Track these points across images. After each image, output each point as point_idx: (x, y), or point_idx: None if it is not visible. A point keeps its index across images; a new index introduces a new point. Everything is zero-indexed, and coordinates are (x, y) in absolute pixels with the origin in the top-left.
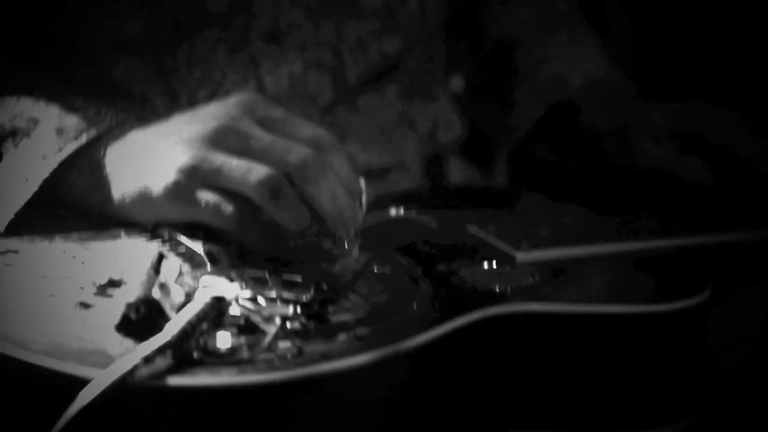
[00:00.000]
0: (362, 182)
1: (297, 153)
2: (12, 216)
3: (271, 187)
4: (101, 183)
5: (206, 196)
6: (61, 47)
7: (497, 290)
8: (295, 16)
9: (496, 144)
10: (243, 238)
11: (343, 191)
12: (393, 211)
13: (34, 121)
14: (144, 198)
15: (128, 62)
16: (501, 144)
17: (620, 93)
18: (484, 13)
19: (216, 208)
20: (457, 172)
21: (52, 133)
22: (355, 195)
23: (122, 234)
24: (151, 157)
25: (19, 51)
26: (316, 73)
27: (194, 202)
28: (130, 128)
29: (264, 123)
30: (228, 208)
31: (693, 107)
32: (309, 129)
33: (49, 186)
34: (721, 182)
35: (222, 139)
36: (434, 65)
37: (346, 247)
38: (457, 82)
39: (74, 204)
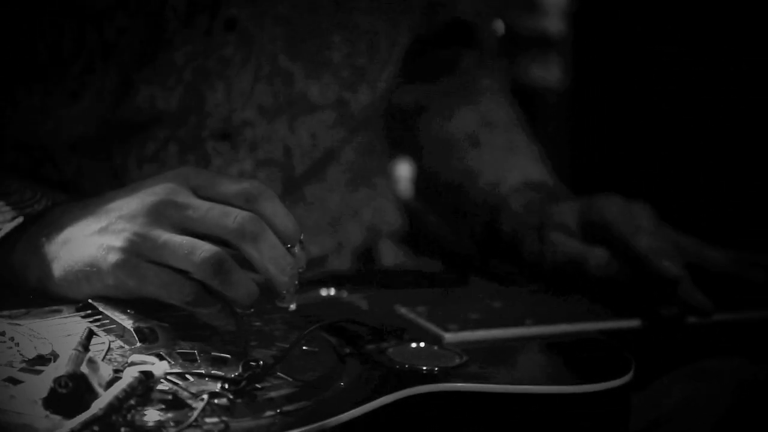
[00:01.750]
0: (301, 233)
1: (234, 217)
2: None
3: (216, 265)
4: (41, 260)
5: (153, 272)
6: (14, 144)
7: (424, 370)
8: (248, 114)
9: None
10: (190, 310)
11: (282, 249)
12: (324, 291)
13: None
14: (88, 276)
15: (80, 162)
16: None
17: (552, 190)
18: (427, 117)
19: (163, 284)
20: (390, 255)
21: None
22: (294, 242)
23: (52, 311)
24: (92, 236)
25: None
26: (266, 170)
27: (142, 278)
28: (70, 207)
29: (199, 190)
30: (176, 283)
31: (602, 199)
32: (238, 184)
33: None
34: (623, 273)
35: (162, 212)
36: (375, 156)
37: (285, 303)
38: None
39: (11, 281)
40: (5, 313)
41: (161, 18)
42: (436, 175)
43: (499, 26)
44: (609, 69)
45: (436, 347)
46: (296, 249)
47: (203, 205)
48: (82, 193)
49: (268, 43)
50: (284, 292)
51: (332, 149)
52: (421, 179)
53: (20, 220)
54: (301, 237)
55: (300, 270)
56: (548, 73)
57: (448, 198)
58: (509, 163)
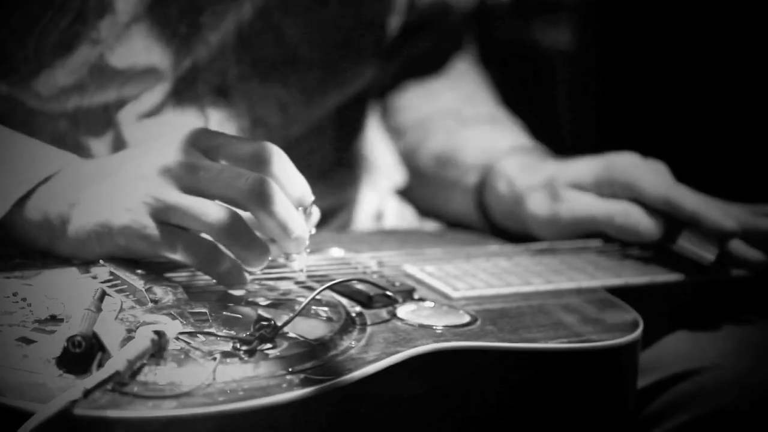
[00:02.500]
0: (311, 195)
1: (246, 179)
2: None
3: (227, 227)
4: (52, 221)
5: (164, 233)
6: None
7: (434, 328)
8: (242, 70)
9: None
10: (201, 272)
11: (292, 211)
12: (334, 252)
13: None
14: (100, 237)
15: (75, 114)
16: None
17: (544, 153)
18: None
19: (174, 245)
20: (396, 215)
21: (2, 175)
22: (305, 202)
23: (64, 272)
24: (104, 197)
25: None
26: (263, 131)
27: (152, 239)
28: (80, 167)
29: (210, 152)
30: (187, 243)
31: (619, 157)
32: (249, 146)
33: (1, 226)
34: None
35: (173, 174)
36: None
37: (295, 265)
38: None
39: (22, 242)
40: (17, 273)
41: None
42: (419, 150)
43: None
44: (619, 32)
45: (445, 306)
46: (306, 212)
47: (214, 167)
48: (80, 148)
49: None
50: (294, 254)
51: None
52: (404, 159)
53: (34, 182)
54: (312, 200)
55: (310, 233)
56: (557, 35)
57: (434, 172)
58: (496, 132)
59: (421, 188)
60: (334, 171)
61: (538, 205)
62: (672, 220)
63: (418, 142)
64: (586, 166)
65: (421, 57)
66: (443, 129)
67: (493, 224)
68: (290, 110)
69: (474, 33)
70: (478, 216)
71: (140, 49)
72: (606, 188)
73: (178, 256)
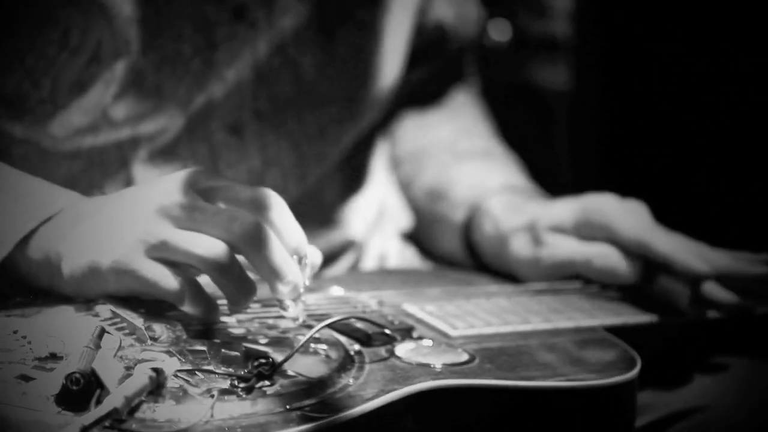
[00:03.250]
0: (309, 247)
1: (241, 222)
2: None
3: (217, 260)
4: (51, 260)
5: (153, 270)
6: (20, 140)
7: (432, 366)
8: (258, 107)
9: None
10: (187, 310)
11: (286, 259)
12: (334, 291)
13: None
14: (93, 273)
15: (90, 154)
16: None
17: (532, 194)
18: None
19: (162, 282)
20: (398, 256)
21: (6, 215)
22: (301, 252)
23: (64, 310)
24: (99, 233)
25: None
26: (276, 171)
27: (141, 276)
28: (79, 206)
29: (208, 194)
30: (173, 282)
31: (597, 198)
32: (249, 191)
33: (2, 264)
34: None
35: (168, 213)
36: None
37: (290, 313)
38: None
39: (24, 280)
40: (18, 311)
41: (169, 8)
42: (414, 183)
43: (506, 29)
44: (614, 71)
45: (444, 344)
46: (302, 262)
47: (210, 209)
48: (94, 188)
49: (276, 34)
50: (287, 301)
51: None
52: (401, 191)
53: (35, 223)
54: (308, 252)
55: (305, 282)
56: (555, 75)
57: (426, 206)
58: (488, 168)
59: (415, 222)
60: (343, 214)
61: (520, 247)
62: (649, 262)
63: (413, 175)
64: (565, 209)
65: (421, 87)
66: (437, 162)
67: (479, 262)
68: (304, 148)
69: (475, 66)
70: (464, 253)
71: (153, 87)
72: (585, 230)
73: (162, 294)
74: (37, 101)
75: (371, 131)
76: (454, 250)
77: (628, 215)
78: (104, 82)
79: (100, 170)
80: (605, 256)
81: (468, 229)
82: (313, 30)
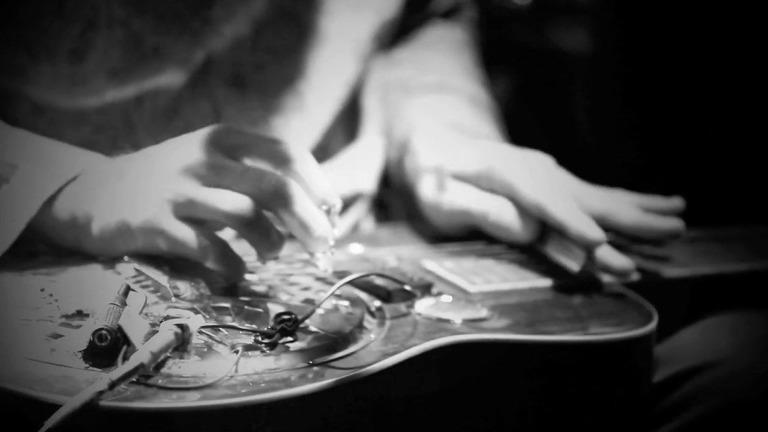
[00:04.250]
0: (335, 193)
1: (268, 179)
2: None
3: (244, 214)
4: (78, 219)
5: (181, 229)
6: (31, 109)
7: (451, 321)
8: (257, 58)
9: None
10: (213, 268)
11: (315, 212)
12: (354, 248)
13: (12, 166)
14: (122, 232)
15: (98, 120)
16: None
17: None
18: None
19: (189, 241)
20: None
21: (31, 176)
22: (329, 203)
23: (90, 268)
24: (127, 193)
25: None
26: (279, 119)
27: (169, 235)
28: (104, 167)
29: (233, 151)
30: (200, 240)
31: (502, 153)
32: (276, 146)
33: (29, 225)
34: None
35: (195, 171)
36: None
37: (320, 265)
38: None
39: (50, 240)
40: (44, 270)
41: None
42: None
43: None
44: (635, 35)
45: (463, 300)
46: (330, 212)
47: (237, 167)
48: (103, 149)
49: None
50: (317, 254)
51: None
52: None
53: (62, 181)
54: (337, 201)
55: (334, 234)
56: (575, 38)
57: None
58: (430, 105)
59: None
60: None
61: (426, 188)
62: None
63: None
64: (472, 158)
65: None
66: (391, 101)
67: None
68: (305, 93)
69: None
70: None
71: (152, 48)
72: (485, 183)
73: (192, 253)
74: (36, 71)
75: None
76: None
77: (529, 173)
78: (102, 47)
79: (107, 132)
80: (501, 213)
81: (400, 168)
82: None
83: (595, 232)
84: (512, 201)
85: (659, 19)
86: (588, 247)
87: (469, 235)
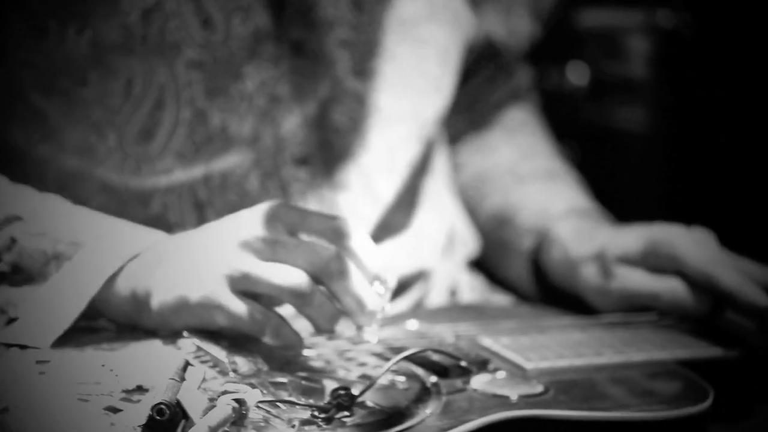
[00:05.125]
0: (389, 272)
1: (321, 254)
2: (61, 333)
3: (300, 291)
4: (137, 296)
5: (238, 304)
6: (100, 188)
7: (508, 397)
8: (324, 135)
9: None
10: (270, 342)
11: (365, 287)
12: (411, 324)
13: (75, 245)
14: (181, 307)
15: (164, 197)
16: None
17: (598, 216)
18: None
19: (247, 316)
20: (468, 290)
21: (93, 254)
22: (381, 279)
23: (150, 343)
24: (186, 269)
25: (61, 189)
26: (345, 196)
27: (227, 311)
28: (163, 243)
29: (290, 227)
30: (257, 315)
31: (666, 230)
32: (329, 222)
33: (91, 302)
34: (699, 306)
35: (251, 247)
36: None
37: (367, 337)
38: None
39: (111, 316)
40: (105, 345)
41: (228, 50)
42: (478, 209)
43: (584, 72)
44: (692, 113)
45: (518, 377)
46: (384, 287)
47: (291, 241)
48: (168, 228)
49: (335, 64)
50: (364, 326)
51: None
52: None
53: (124, 260)
54: (388, 277)
55: (383, 308)
56: (632, 116)
57: (491, 232)
58: (552, 191)
59: (482, 247)
60: (415, 239)
61: (589, 277)
62: (716, 296)
63: (476, 200)
64: (633, 239)
65: (478, 107)
66: (500, 187)
67: (545, 290)
68: (370, 171)
69: (531, 81)
70: (531, 280)
71: (219, 127)
72: (652, 260)
73: (249, 327)
74: (105, 151)
75: (431, 152)
76: (519, 276)
77: (695, 246)
78: (170, 126)
79: (174, 210)
80: (673, 290)
81: (536, 257)
82: (372, 54)
83: (765, 299)
84: (680, 275)
85: (713, 97)
86: (761, 314)
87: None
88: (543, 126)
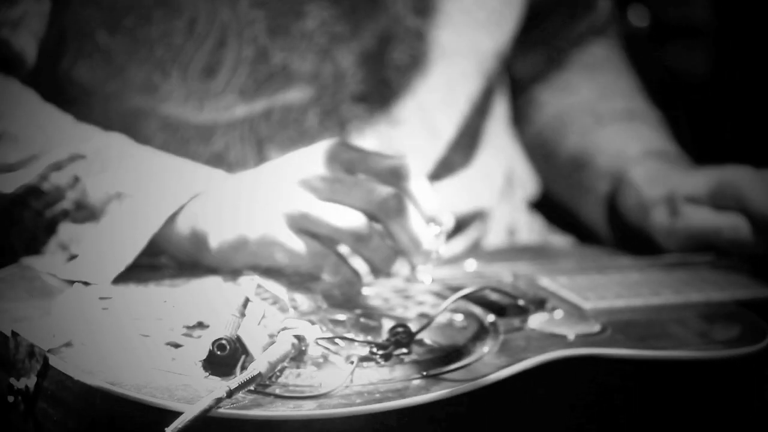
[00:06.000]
0: (445, 213)
1: (379, 193)
2: (123, 269)
3: (358, 232)
4: (198, 235)
5: (297, 242)
6: (161, 126)
7: (566, 336)
8: (384, 73)
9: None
10: (329, 280)
11: (421, 227)
12: (470, 264)
13: (138, 183)
14: (241, 246)
15: (226, 135)
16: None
17: (674, 159)
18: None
19: (305, 254)
20: (527, 231)
21: (155, 193)
22: (437, 221)
23: (211, 280)
24: (245, 208)
25: (124, 128)
26: (404, 133)
27: (285, 248)
28: (224, 182)
29: (347, 165)
30: (316, 252)
31: (733, 171)
32: (388, 162)
33: (152, 239)
34: (760, 245)
35: (309, 185)
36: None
37: (421, 277)
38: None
39: (172, 254)
40: (167, 282)
41: None
42: (555, 149)
43: (644, 14)
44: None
45: (576, 316)
46: (440, 230)
47: (349, 180)
48: (229, 165)
49: (396, 3)
50: (420, 266)
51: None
52: (537, 154)
53: (186, 198)
54: (445, 218)
55: (438, 249)
56: (693, 62)
57: (567, 172)
58: (629, 132)
59: (556, 189)
60: (473, 179)
61: (659, 218)
62: None
63: (556, 142)
64: (701, 179)
65: (557, 43)
66: (579, 129)
67: (620, 234)
68: (430, 108)
69: (613, 15)
70: (606, 224)
71: (280, 64)
72: (719, 200)
73: (309, 265)
74: (168, 89)
75: (492, 91)
76: (596, 219)
77: (760, 187)
78: (232, 64)
79: (236, 148)
80: (735, 227)
81: (611, 200)
82: None
83: None
84: (744, 214)
85: None
86: None
87: None
88: (624, 62)
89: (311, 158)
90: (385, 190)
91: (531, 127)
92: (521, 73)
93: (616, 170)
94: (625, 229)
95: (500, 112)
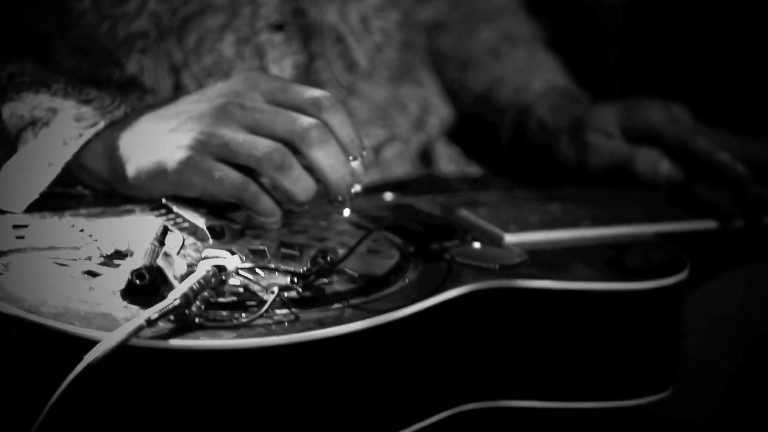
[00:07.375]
0: (364, 142)
1: (300, 122)
2: (36, 197)
3: (277, 160)
4: (115, 163)
5: (217, 169)
6: (74, 49)
7: (486, 267)
8: (300, 3)
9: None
10: (249, 208)
11: (342, 158)
12: (388, 196)
13: (53, 111)
14: (158, 174)
15: (140, 59)
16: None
17: (577, 96)
18: (447, 34)
19: (225, 182)
20: (444, 159)
21: (70, 120)
22: (356, 153)
23: (128, 209)
24: (162, 136)
25: (34, 51)
26: (322, 63)
27: (205, 175)
28: (142, 112)
29: (268, 95)
30: (235, 180)
31: (642, 103)
32: (309, 92)
33: (67, 168)
34: (674, 174)
35: (229, 114)
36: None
37: (339, 208)
38: None
39: (88, 182)
40: (83, 211)
41: None
42: (460, 90)
43: None
44: None
45: (497, 247)
46: (357, 162)
47: (270, 109)
48: (143, 90)
49: None
50: (339, 197)
51: (387, 35)
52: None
53: (101, 125)
54: (364, 152)
55: (358, 183)
56: None
57: (473, 109)
58: (532, 72)
59: (460, 123)
60: (385, 106)
61: (566, 149)
62: (691, 164)
63: (459, 83)
64: (609, 111)
65: None
66: (481, 68)
67: (525, 164)
68: (347, 38)
69: None
70: (511, 157)
71: None
72: (628, 131)
73: (226, 193)
74: (80, 13)
75: (409, 25)
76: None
77: (671, 117)
78: None
79: (150, 75)
80: (647, 156)
81: (515, 133)
82: None
83: (743, 167)
84: (657, 144)
85: None
86: (738, 181)
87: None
88: (524, 9)
89: (231, 87)
90: (307, 120)
91: (440, 72)
92: (423, 20)
93: (519, 104)
94: (528, 161)
95: (418, 46)
